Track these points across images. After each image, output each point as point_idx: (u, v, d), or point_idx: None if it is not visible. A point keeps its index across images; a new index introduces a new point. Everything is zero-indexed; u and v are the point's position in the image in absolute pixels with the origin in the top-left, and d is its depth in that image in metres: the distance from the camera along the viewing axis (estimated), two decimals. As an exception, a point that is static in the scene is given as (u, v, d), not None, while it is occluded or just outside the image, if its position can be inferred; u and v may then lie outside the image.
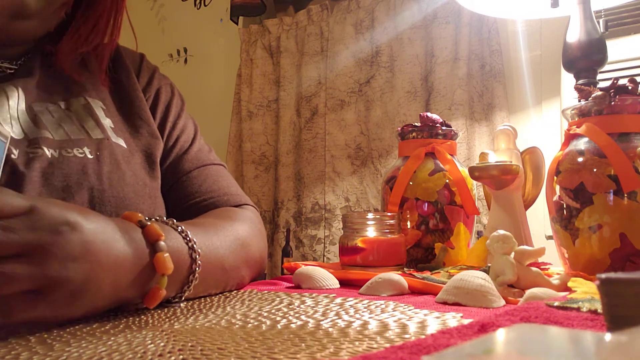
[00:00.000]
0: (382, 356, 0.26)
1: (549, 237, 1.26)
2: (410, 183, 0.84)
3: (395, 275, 0.58)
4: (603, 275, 0.29)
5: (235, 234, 0.59)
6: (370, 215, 0.74)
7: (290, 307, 0.46)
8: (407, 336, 0.35)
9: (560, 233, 0.67)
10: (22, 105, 0.59)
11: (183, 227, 0.50)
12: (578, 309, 0.39)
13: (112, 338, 0.36)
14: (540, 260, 0.64)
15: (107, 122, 0.64)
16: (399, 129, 0.90)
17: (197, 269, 0.49)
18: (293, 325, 0.38)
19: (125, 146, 0.63)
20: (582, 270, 0.62)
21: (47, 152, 0.57)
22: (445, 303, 0.50)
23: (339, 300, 0.50)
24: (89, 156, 0.59)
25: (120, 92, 0.69)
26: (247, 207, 0.71)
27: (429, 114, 0.88)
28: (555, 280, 0.55)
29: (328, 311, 0.44)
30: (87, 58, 0.68)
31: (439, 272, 0.68)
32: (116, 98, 0.68)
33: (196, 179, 0.69)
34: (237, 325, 0.39)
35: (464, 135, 1.52)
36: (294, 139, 1.86)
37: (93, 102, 0.64)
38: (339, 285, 0.64)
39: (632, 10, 1.34)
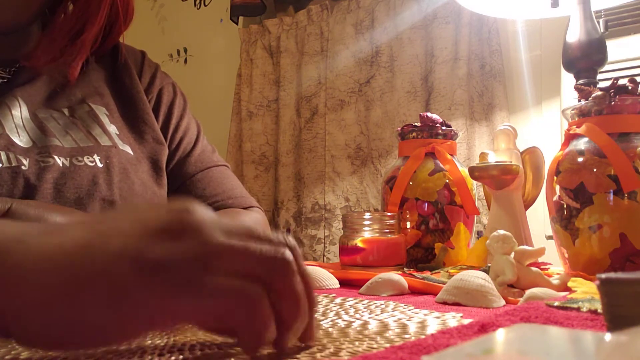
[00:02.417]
0: (382, 356, 0.26)
1: (549, 237, 1.26)
2: (410, 183, 0.84)
3: (395, 275, 0.58)
4: (603, 275, 0.29)
5: None
6: (370, 215, 0.74)
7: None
8: (407, 336, 0.35)
9: (560, 233, 0.67)
10: (26, 114, 0.58)
11: None
12: (578, 309, 0.39)
13: (112, 338, 0.36)
14: (540, 260, 0.64)
15: (112, 129, 0.63)
16: (399, 129, 0.90)
17: None
18: (293, 325, 0.38)
19: (132, 153, 0.62)
20: (582, 270, 0.62)
21: (59, 160, 0.56)
22: (445, 303, 0.50)
23: (339, 300, 0.50)
24: (99, 165, 0.58)
25: (123, 95, 0.67)
26: (253, 209, 0.71)
27: (429, 114, 0.88)
28: (555, 280, 0.55)
29: (328, 311, 0.44)
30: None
31: (439, 272, 0.68)
32: (119, 102, 0.66)
33: (200, 182, 0.69)
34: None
35: (464, 135, 1.52)
36: (294, 139, 1.86)
37: (97, 108, 0.63)
38: (339, 285, 0.64)
39: (632, 10, 1.34)
